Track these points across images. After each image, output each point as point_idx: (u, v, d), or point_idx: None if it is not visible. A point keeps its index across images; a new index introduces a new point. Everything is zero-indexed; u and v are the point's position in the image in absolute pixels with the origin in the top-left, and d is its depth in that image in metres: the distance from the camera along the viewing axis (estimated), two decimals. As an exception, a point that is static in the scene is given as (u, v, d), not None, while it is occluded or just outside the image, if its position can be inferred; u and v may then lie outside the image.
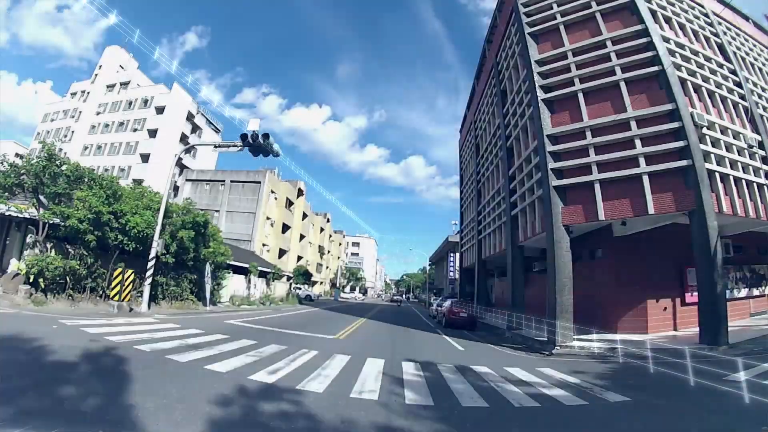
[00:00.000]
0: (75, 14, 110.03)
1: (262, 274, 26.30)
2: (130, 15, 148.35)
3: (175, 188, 43.42)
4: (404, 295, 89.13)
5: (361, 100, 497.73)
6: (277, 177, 43.08)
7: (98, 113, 55.11)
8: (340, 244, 77.34)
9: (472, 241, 28.84)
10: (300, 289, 37.41)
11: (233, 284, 21.96)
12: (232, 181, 39.39)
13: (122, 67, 59.64)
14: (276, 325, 13.45)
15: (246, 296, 23.02)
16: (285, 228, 43.37)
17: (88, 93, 58.43)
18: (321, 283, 61.86)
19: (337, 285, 59.51)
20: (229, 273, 21.17)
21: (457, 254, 50.85)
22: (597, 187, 12.94)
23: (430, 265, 69.29)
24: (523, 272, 17.99)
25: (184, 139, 48.81)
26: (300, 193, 46.91)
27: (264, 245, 38.07)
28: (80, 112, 56.92)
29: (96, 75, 61.26)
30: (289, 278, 34.29)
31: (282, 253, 41.59)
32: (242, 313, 17.65)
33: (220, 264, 18.03)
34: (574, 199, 13.40)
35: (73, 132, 55.72)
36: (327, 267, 65.29)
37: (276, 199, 40.55)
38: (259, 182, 37.96)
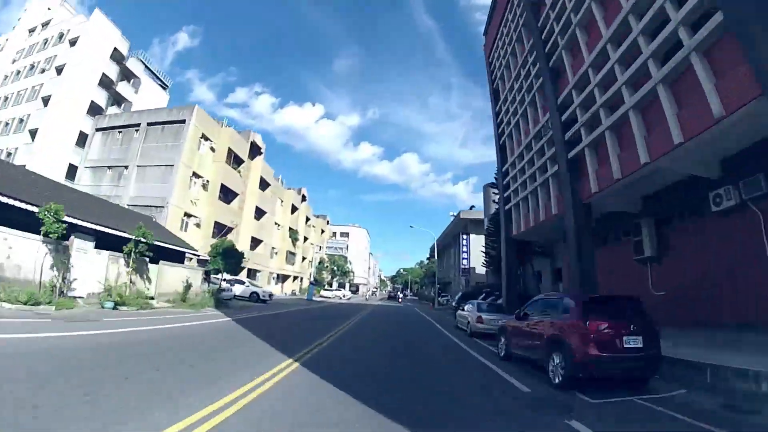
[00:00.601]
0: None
1: (105, 243, 12.67)
2: (124, 17, 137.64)
3: (84, 139, 31.37)
4: (401, 292, 77.45)
5: (354, 97, 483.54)
6: (222, 126, 30.87)
7: (14, 61, 43.73)
8: (322, 231, 63.86)
9: (541, 178, 16.27)
10: (244, 283, 24.76)
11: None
12: (149, 124, 27.27)
13: (49, 9, 47.71)
14: None
15: (50, 285, 10.68)
16: (230, 196, 31.09)
17: (7, 40, 47.08)
18: (295, 278, 49.35)
19: (312, 280, 46.74)
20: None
21: (472, 236, 38.89)
22: None
23: (435, 255, 56.96)
24: None
25: (108, 86, 36.71)
26: (256, 149, 34.23)
27: (188, 216, 25.83)
28: (-6, 64, 45.13)
29: (19, 19, 49.75)
30: (203, 260, 21.36)
31: (222, 229, 29.21)
32: None
33: None
34: None
35: (-18, 88, 43.90)
36: (304, 258, 52.67)
37: (213, 150, 28.31)
38: (184, 121, 25.75)
